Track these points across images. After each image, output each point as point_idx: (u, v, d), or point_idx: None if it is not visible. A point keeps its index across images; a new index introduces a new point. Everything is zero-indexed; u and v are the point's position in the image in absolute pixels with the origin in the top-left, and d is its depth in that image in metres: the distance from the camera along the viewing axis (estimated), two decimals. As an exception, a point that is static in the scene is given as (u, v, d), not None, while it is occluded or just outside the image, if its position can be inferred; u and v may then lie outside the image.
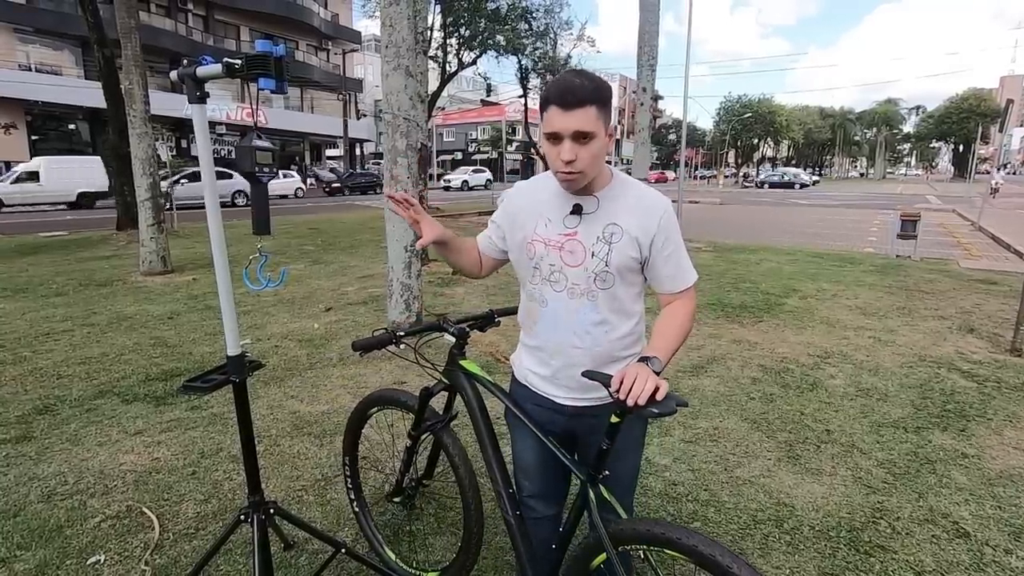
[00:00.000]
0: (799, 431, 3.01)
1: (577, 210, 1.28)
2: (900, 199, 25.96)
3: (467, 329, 1.65)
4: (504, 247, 1.46)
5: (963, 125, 58.46)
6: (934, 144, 78.38)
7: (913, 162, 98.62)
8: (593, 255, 1.27)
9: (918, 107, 74.44)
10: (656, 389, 1.06)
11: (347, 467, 2.08)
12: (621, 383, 1.08)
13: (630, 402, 1.05)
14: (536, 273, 1.35)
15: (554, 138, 1.18)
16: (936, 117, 65.69)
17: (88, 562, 1.98)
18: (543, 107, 1.19)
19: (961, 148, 64.87)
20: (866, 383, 3.68)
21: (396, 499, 1.99)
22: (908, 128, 77.56)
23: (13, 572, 1.92)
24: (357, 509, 2.10)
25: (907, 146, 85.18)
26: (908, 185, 48.12)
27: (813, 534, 2.16)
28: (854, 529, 2.19)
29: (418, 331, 1.65)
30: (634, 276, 1.31)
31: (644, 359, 1.15)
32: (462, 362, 1.60)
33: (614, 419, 1.17)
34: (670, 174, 47.24)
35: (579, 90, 1.13)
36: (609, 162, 1.37)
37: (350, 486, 2.10)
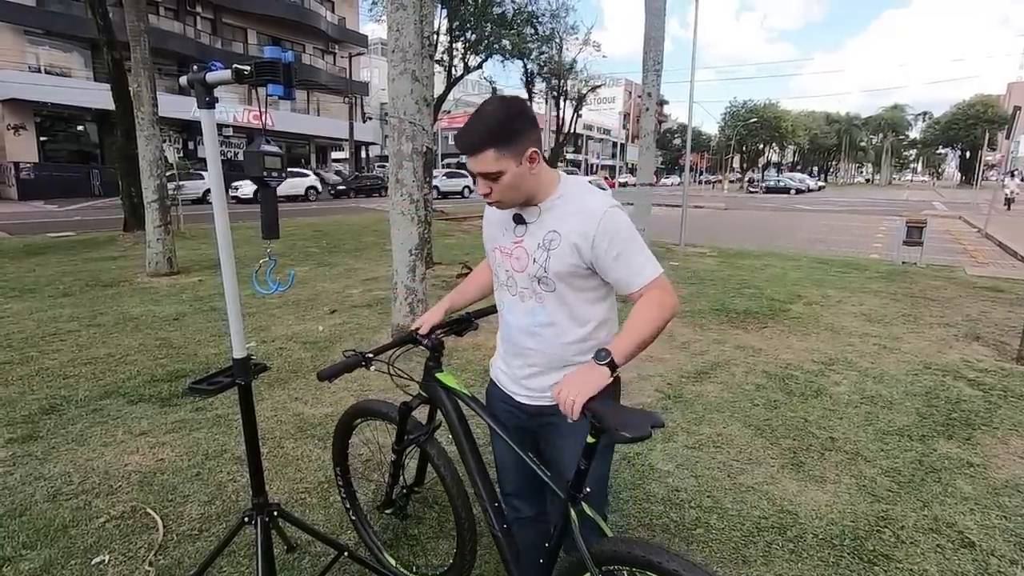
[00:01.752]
0: (803, 438, 3.00)
1: (519, 219, 1.35)
2: (906, 205, 25.86)
3: (440, 338, 1.63)
4: None
5: (970, 131, 58.30)
6: (941, 150, 78.17)
7: (919, 168, 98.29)
8: (534, 261, 1.32)
9: (925, 113, 74.35)
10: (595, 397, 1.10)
11: (339, 477, 2.09)
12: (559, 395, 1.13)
13: (569, 417, 1.11)
14: (497, 279, 1.46)
15: (471, 175, 1.29)
16: (943, 123, 65.53)
17: (93, 562, 1.99)
18: None
19: (968, 154, 64.66)
20: (871, 390, 3.66)
21: (388, 511, 1.96)
22: (914, 134, 77.43)
23: (19, 571, 1.93)
24: (354, 517, 2.10)
25: (913, 152, 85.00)
26: (914, 191, 47.91)
27: (817, 542, 2.15)
28: (858, 537, 2.18)
29: (387, 348, 1.63)
30: (581, 281, 1.32)
31: (597, 354, 1.18)
32: (438, 375, 1.59)
33: (590, 439, 1.15)
34: (655, 178, 46.88)
35: (472, 138, 1.21)
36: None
37: (343, 496, 2.10)
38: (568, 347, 1.37)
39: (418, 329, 1.63)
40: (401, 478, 1.91)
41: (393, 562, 1.98)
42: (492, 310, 1.69)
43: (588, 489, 1.23)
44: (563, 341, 1.36)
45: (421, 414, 1.75)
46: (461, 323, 1.70)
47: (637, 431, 1.03)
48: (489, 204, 1.33)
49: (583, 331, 1.36)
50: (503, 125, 1.20)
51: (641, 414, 1.08)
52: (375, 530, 2.10)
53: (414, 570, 1.95)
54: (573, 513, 1.22)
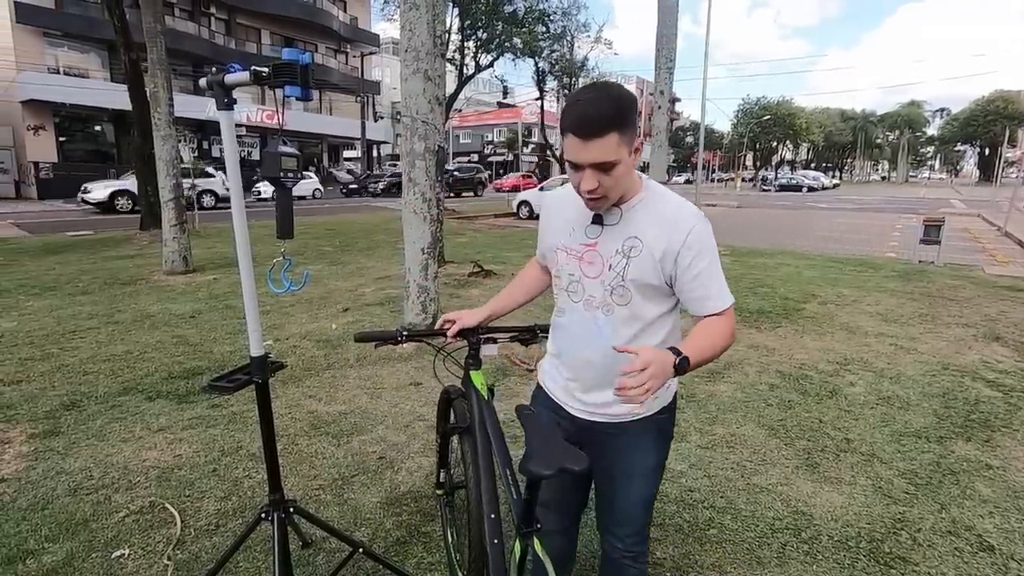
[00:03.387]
0: (818, 439, 2.97)
1: (598, 220, 1.23)
2: (923, 203, 25.48)
3: (478, 340, 1.61)
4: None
5: (989, 128, 57.27)
6: (959, 147, 76.86)
7: (937, 165, 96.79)
8: (610, 268, 1.22)
9: (942, 109, 73.15)
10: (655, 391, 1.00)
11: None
12: (636, 372, 1.00)
13: (631, 392, 0.98)
14: (558, 282, 1.34)
15: (574, 167, 1.13)
16: (961, 120, 64.44)
17: (113, 556, 2.03)
18: (562, 131, 1.13)
19: (987, 151, 63.50)
20: (887, 391, 3.62)
21: (439, 491, 2.05)
22: (932, 131, 76.20)
23: (42, 564, 1.98)
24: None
25: (931, 149, 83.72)
26: (931, 189, 47.18)
27: (832, 544, 2.13)
28: (874, 540, 2.16)
29: (426, 334, 1.62)
30: (657, 294, 1.23)
31: (675, 351, 1.07)
32: (471, 372, 1.60)
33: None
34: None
35: (598, 119, 1.06)
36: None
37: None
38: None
39: (448, 321, 1.59)
40: (450, 465, 1.96)
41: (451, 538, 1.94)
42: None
43: (539, 524, 1.13)
44: (626, 359, 1.22)
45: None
46: (526, 333, 1.63)
47: (539, 467, 0.96)
48: (588, 203, 1.17)
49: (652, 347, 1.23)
50: (626, 107, 1.07)
51: (561, 453, 1.00)
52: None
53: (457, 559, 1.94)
54: (517, 549, 1.12)
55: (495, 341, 1.64)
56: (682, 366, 1.08)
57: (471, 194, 28.48)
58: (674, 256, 1.17)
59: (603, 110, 1.06)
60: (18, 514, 2.25)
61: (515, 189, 25.31)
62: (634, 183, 1.22)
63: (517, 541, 1.12)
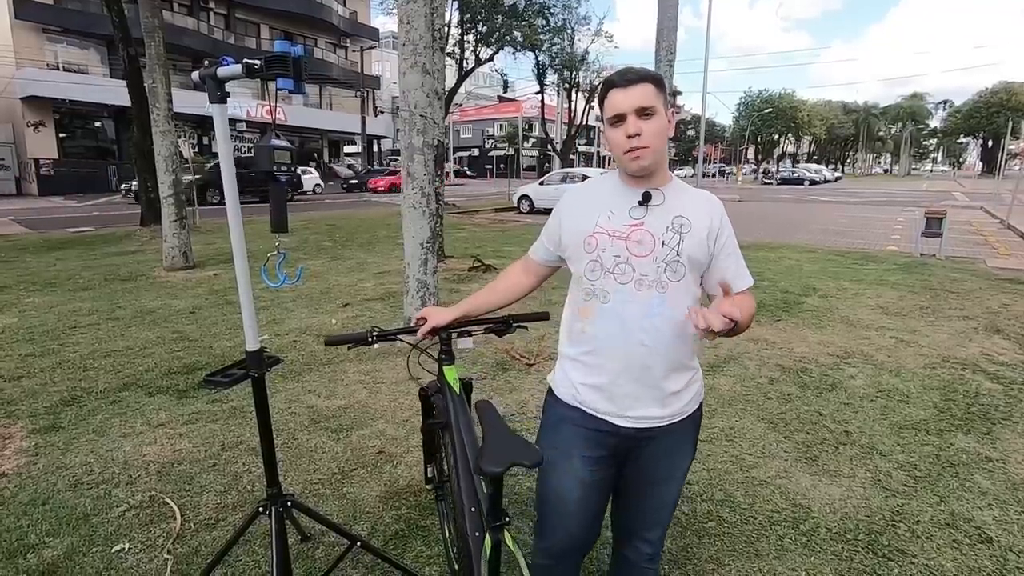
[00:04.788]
0: (817, 432, 2.97)
1: (646, 199, 1.25)
2: (925, 196, 25.38)
3: (449, 335, 1.60)
4: (559, 252, 1.41)
5: (992, 120, 56.95)
6: (962, 140, 76.49)
7: (939, 158, 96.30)
8: (664, 244, 1.23)
9: (945, 102, 72.69)
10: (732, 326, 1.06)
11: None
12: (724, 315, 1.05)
13: (717, 326, 1.04)
14: (596, 266, 1.27)
15: (618, 120, 1.21)
16: (964, 112, 64.07)
17: (113, 550, 2.03)
18: (603, 96, 1.24)
19: (990, 144, 63.18)
20: (887, 384, 3.61)
21: (428, 487, 2.07)
22: (935, 123, 75.76)
23: (43, 558, 1.99)
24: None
25: (933, 142, 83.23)
26: (934, 182, 47.02)
27: (830, 536, 2.14)
28: (872, 532, 2.16)
29: (399, 332, 1.61)
30: (699, 273, 1.29)
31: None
32: (444, 368, 1.60)
33: None
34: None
35: (635, 72, 1.21)
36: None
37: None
38: (683, 346, 1.27)
39: (421, 319, 1.58)
40: (441, 460, 1.97)
41: (449, 533, 1.95)
42: (536, 317, 1.70)
43: (508, 518, 1.12)
44: (679, 336, 1.25)
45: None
46: (500, 324, 1.65)
47: (489, 465, 0.96)
48: (632, 153, 1.20)
49: (688, 329, 1.24)
50: (660, 75, 1.24)
51: (512, 448, 0.99)
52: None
53: (453, 552, 1.95)
54: (488, 543, 1.11)
55: (469, 334, 1.64)
56: (734, 330, 1.11)
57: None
58: (715, 235, 1.27)
59: (637, 70, 1.22)
60: (19, 509, 2.26)
61: (394, 189, 23.61)
62: (665, 169, 1.30)
63: (488, 536, 1.11)
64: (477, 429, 1.37)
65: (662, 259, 1.23)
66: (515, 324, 1.66)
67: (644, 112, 1.19)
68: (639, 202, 1.25)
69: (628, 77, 1.20)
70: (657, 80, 1.21)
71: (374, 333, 1.56)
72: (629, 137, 1.19)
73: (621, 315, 1.25)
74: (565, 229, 1.36)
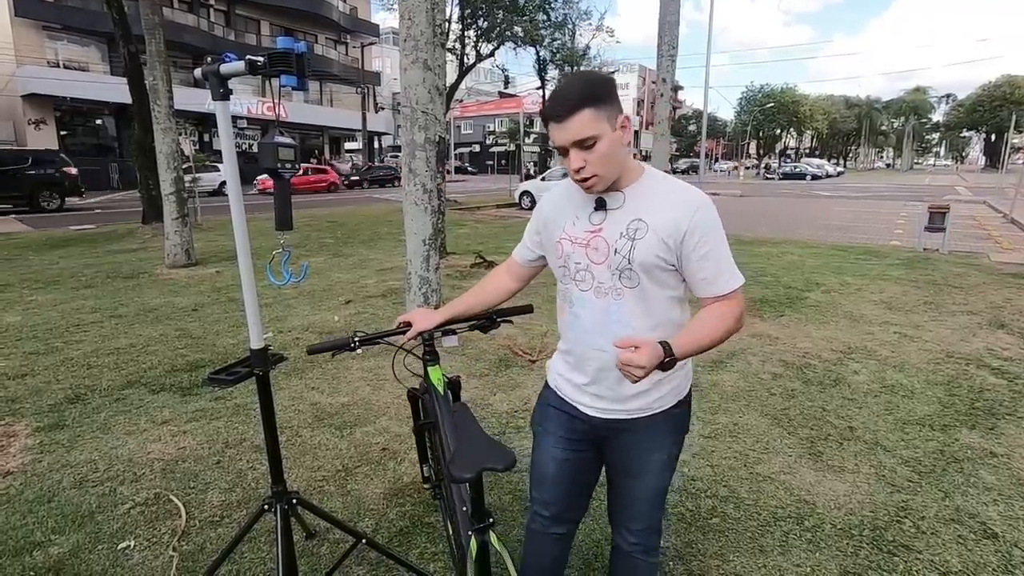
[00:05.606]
0: (821, 427, 2.96)
1: (601, 205, 1.24)
2: (928, 191, 25.29)
3: (431, 336, 1.60)
4: (541, 251, 1.43)
5: (996, 114, 56.72)
6: (965, 134, 76.15)
7: (942, 152, 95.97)
8: (616, 252, 1.21)
9: (948, 95, 72.35)
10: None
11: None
12: (629, 350, 1.07)
13: (623, 369, 1.06)
14: (564, 272, 1.32)
15: (561, 151, 1.17)
16: (967, 106, 63.79)
17: (119, 547, 2.04)
18: (544, 123, 1.19)
19: (993, 138, 62.90)
20: (891, 379, 3.60)
21: (425, 487, 2.07)
22: (937, 117, 75.43)
23: (48, 555, 1.99)
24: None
25: (936, 136, 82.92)
26: (937, 176, 46.79)
27: (835, 532, 2.13)
28: (877, 528, 2.16)
29: (380, 336, 1.61)
30: (666, 276, 1.23)
31: (663, 343, 1.11)
32: (428, 368, 1.60)
33: None
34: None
35: (566, 99, 1.12)
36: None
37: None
38: None
39: (406, 324, 1.60)
40: (435, 459, 1.97)
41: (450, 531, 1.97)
42: (520, 310, 1.70)
43: (492, 519, 1.12)
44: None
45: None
46: (483, 320, 1.65)
47: (459, 471, 0.95)
48: (583, 183, 1.18)
49: (659, 334, 1.22)
50: (597, 85, 1.13)
51: (482, 453, 0.99)
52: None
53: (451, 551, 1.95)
54: (474, 545, 1.10)
55: (454, 332, 1.64)
56: (669, 360, 1.10)
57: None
58: (681, 237, 1.18)
59: (571, 89, 1.12)
60: (25, 506, 2.27)
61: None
62: (631, 166, 1.23)
63: (473, 536, 1.11)
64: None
65: (615, 267, 1.23)
66: (499, 319, 1.67)
67: (583, 144, 1.13)
68: (594, 208, 1.25)
69: (559, 111, 1.12)
70: (594, 99, 1.11)
71: (356, 339, 1.56)
72: (574, 171, 1.16)
73: (583, 321, 1.30)
74: (542, 232, 1.39)
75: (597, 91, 1.12)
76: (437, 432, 1.52)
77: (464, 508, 1.29)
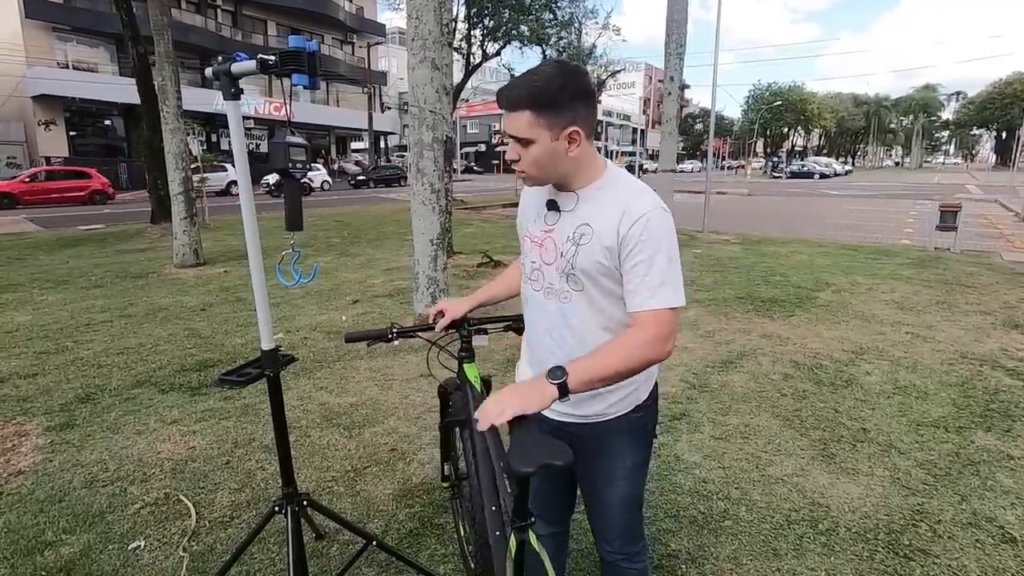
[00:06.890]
0: (833, 429, 2.93)
1: (553, 206, 1.23)
2: (938, 189, 25.06)
3: (470, 332, 1.58)
4: None
5: (1007, 111, 56.17)
6: (975, 132, 75.45)
7: (952, 150, 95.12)
8: (562, 255, 1.20)
9: (958, 93, 71.74)
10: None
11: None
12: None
13: (480, 426, 1.03)
14: (524, 270, 1.34)
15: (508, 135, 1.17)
16: (977, 103, 63.21)
17: (129, 547, 2.04)
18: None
19: (1004, 135, 62.27)
20: (904, 380, 3.56)
21: (444, 484, 2.06)
22: (947, 115, 74.76)
23: (60, 555, 1.99)
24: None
25: (946, 134, 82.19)
26: (947, 175, 46.38)
27: (850, 536, 2.10)
28: (893, 531, 2.13)
29: (417, 329, 1.60)
30: (611, 283, 1.18)
31: (551, 371, 1.06)
32: (465, 365, 1.58)
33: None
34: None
35: (509, 95, 1.10)
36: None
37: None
38: None
39: (440, 312, 1.57)
40: (453, 458, 1.96)
41: (464, 531, 1.94)
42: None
43: (533, 518, 1.09)
44: (589, 348, 1.18)
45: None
46: (518, 321, 1.57)
47: (519, 465, 0.94)
48: (518, 173, 1.18)
49: (609, 336, 1.21)
50: (547, 90, 1.08)
51: (542, 448, 0.98)
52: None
53: (469, 551, 1.94)
54: (513, 543, 1.08)
55: (486, 332, 1.62)
56: (564, 391, 1.05)
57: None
58: (619, 242, 1.13)
59: (518, 88, 1.11)
60: (36, 506, 2.28)
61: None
62: (585, 169, 1.19)
63: (513, 535, 1.09)
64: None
65: (562, 270, 1.22)
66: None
67: (519, 140, 1.13)
68: (547, 209, 1.25)
69: (511, 98, 1.11)
70: (537, 105, 1.08)
71: (394, 330, 1.55)
72: (509, 160, 1.17)
73: (535, 320, 1.31)
74: (519, 227, 1.39)
75: (543, 98, 1.08)
76: (468, 430, 1.50)
77: (493, 508, 1.27)
